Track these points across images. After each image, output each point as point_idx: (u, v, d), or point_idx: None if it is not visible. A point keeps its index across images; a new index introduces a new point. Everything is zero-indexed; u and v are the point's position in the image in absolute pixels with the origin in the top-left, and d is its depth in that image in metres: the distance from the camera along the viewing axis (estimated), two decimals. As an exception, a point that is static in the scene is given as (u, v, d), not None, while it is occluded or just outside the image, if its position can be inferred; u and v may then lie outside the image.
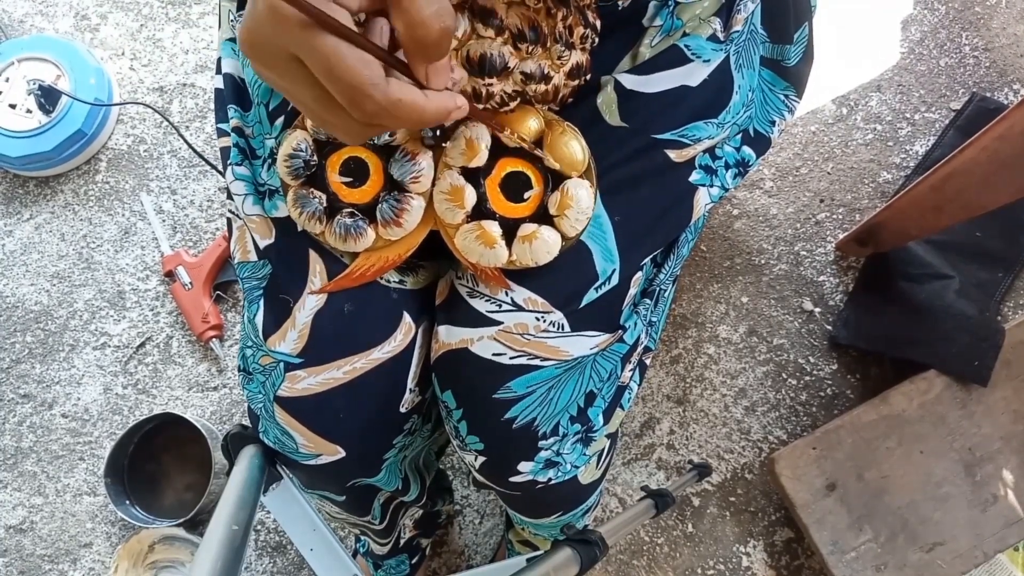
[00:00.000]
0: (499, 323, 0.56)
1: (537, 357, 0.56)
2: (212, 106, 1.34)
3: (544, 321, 0.56)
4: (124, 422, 1.23)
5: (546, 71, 0.52)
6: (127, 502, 1.16)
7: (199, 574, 0.42)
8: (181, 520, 1.13)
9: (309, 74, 0.36)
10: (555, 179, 0.54)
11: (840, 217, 1.20)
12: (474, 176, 0.54)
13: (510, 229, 0.54)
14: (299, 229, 0.57)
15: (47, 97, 1.26)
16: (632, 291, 0.60)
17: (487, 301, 0.56)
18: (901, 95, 1.24)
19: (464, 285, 0.58)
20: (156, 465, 1.20)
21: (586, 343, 0.57)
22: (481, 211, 0.54)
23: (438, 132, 0.53)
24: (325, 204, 0.54)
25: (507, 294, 0.56)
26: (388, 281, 0.59)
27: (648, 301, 0.62)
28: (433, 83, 0.39)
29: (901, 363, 1.07)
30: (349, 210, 0.54)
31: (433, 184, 0.54)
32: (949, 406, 1.01)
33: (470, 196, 0.53)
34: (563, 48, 0.52)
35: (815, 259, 1.19)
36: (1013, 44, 1.24)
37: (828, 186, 1.21)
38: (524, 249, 0.54)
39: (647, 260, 0.60)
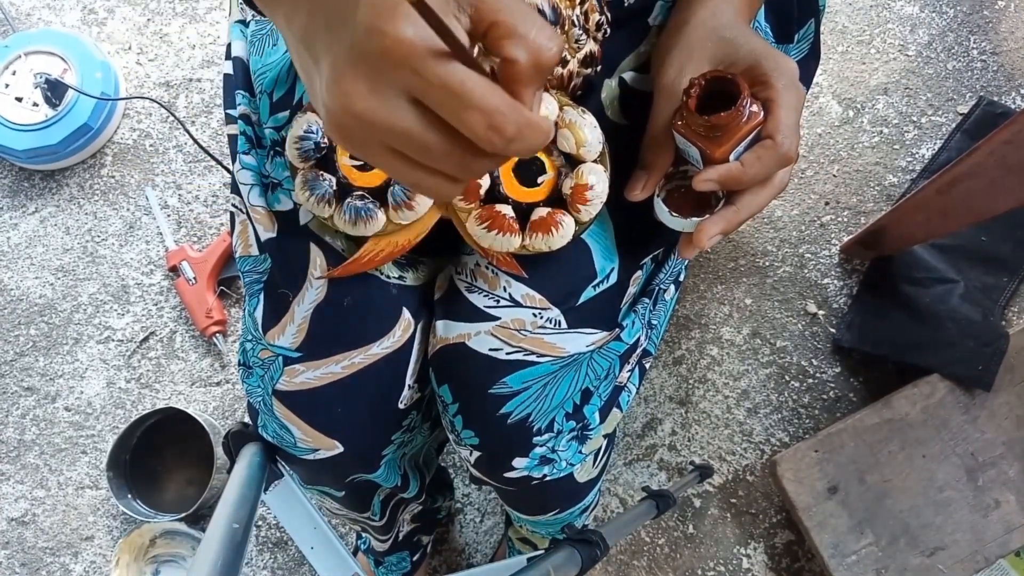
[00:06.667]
0: (496, 319, 0.56)
1: (533, 353, 0.56)
2: (218, 101, 1.34)
3: (541, 317, 0.56)
4: (127, 416, 1.23)
5: (564, 54, 0.52)
6: (129, 496, 1.16)
7: (200, 572, 0.42)
8: (182, 515, 1.13)
9: (428, 116, 0.32)
10: (569, 163, 0.54)
11: (845, 220, 1.19)
12: None
13: (523, 214, 0.53)
14: (305, 216, 0.56)
15: (53, 91, 1.26)
16: (631, 290, 0.60)
17: (485, 296, 0.56)
18: (908, 98, 1.23)
19: (463, 280, 0.58)
20: (158, 460, 1.20)
21: (583, 340, 0.57)
22: (494, 195, 0.54)
23: None
24: (335, 187, 0.53)
25: (505, 290, 0.56)
26: (388, 277, 0.59)
27: (646, 300, 0.62)
28: (537, 109, 0.36)
29: (904, 367, 1.07)
30: (360, 193, 0.53)
31: None
32: (952, 410, 1.01)
33: (484, 179, 0.53)
34: (580, 32, 0.52)
35: (819, 262, 1.18)
36: (1021, 48, 1.24)
37: (833, 188, 1.21)
38: (538, 234, 0.53)
39: (647, 259, 0.60)
